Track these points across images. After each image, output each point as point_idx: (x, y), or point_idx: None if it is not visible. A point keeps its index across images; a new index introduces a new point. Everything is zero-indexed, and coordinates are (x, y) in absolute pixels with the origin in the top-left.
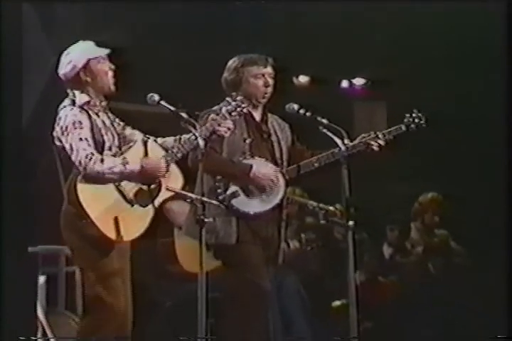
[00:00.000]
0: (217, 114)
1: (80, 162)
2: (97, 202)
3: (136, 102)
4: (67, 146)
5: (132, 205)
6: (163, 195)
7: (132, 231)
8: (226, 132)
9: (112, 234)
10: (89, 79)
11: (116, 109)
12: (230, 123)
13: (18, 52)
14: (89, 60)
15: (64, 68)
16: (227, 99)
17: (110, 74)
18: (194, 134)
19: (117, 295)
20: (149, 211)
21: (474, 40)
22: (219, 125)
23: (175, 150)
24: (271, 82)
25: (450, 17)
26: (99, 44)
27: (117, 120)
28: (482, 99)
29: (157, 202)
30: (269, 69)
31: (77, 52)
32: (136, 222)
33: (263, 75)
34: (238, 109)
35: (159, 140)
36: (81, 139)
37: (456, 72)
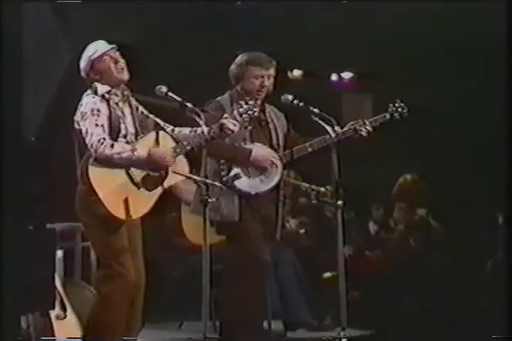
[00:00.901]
0: (230, 114)
1: (92, 145)
2: (106, 183)
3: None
4: (83, 130)
5: (139, 188)
6: (169, 180)
7: (136, 211)
8: (232, 132)
9: (117, 212)
10: (97, 77)
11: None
12: (237, 125)
13: (18, 52)
14: (93, 62)
15: (82, 62)
16: (240, 102)
17: (115, 67)
18: (198, 122)
19: (126, 269)
20: (154, 195)
21: (467, 35)
22: (222, 126)
23: (185, 143)
24: (267, 83)
25: (448, 16)
26: (109, 42)
27: (140, 108)
28: (466, 90)
29: (162, 187)
30: (270, 72)
31: (84, 56)
32: (140, 204)
33: (262, 77)
34: (249, 112)
35: (177, 129)
36: (97, 125)
37: (442, 66)
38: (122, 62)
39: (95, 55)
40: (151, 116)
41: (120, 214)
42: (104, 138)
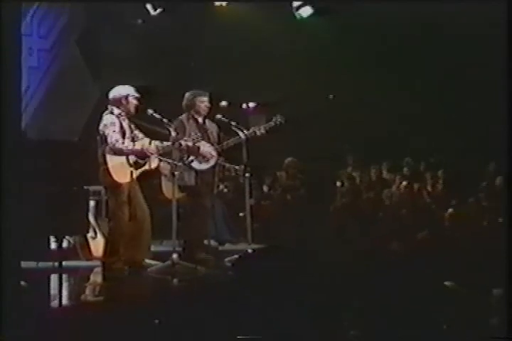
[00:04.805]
0: (186, 140)
1: (111, 142)
2: (113, 161)
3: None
4: (105, 133)
5: (130, 166)
6: (146, 166)
7: (127, 178)
8: (187, 147)
9: (118, 178)
10: (124, 102)
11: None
12: (190, 144)
13: (17, 52)
14: (128, 95)
15: (113, 94)
16: (192, 134)
17: (134, 105)
18: (170, 132)
19: (124, 214)
20: (138, 171)
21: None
22: (180, 143)
23: (164, 145)
24: (208, 105)
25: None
26: (136, 88)
27: (132, 125)
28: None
29: (139, 170)
30: (207, 98)
31: (124, 90)
32: (130, 175)
33: (204, 101)
34: (195, 140)
35: (153, 141)
36: (114, 131)
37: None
38: (138, 104)
39: (132, 94)
40: (137, 130)
41: (119, 179)
42: (118, 139)
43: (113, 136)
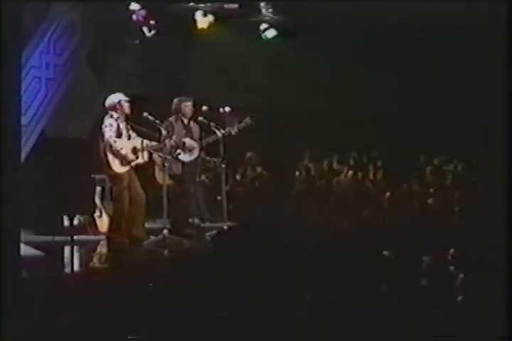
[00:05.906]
0: (171, 142)
1: (106, 138)
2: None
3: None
4: (106, 132)
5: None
6: (143, 157)
7: (123, 169)
8: (171, 147)
9: (116, 168)
10: (118, 107)
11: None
12: (174, 146)
13: (17, 51)
14: (120, 100)
15: (108, 103)
16: (173, 138)
17: (129, 107)
18: (160, 132)
19: (126, 196)
20: (131, 164)
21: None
22: (166, 143)
23: (155, 144)
24: (192, 108)
25: None
26: (126, 94)
27: (129, 126)
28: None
29: (133, 163)
30: (191, 103)
31: (116, 97)
32: (125, 167)
33: (188, 106)
34: (178, 142)
35: (145, 141)
36: (111, 130)
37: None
38: (131, 105)
39: (125, 99)
40: (132, 131)
41: (119, 170)
42: (112, 135)
43: (108, 132)
